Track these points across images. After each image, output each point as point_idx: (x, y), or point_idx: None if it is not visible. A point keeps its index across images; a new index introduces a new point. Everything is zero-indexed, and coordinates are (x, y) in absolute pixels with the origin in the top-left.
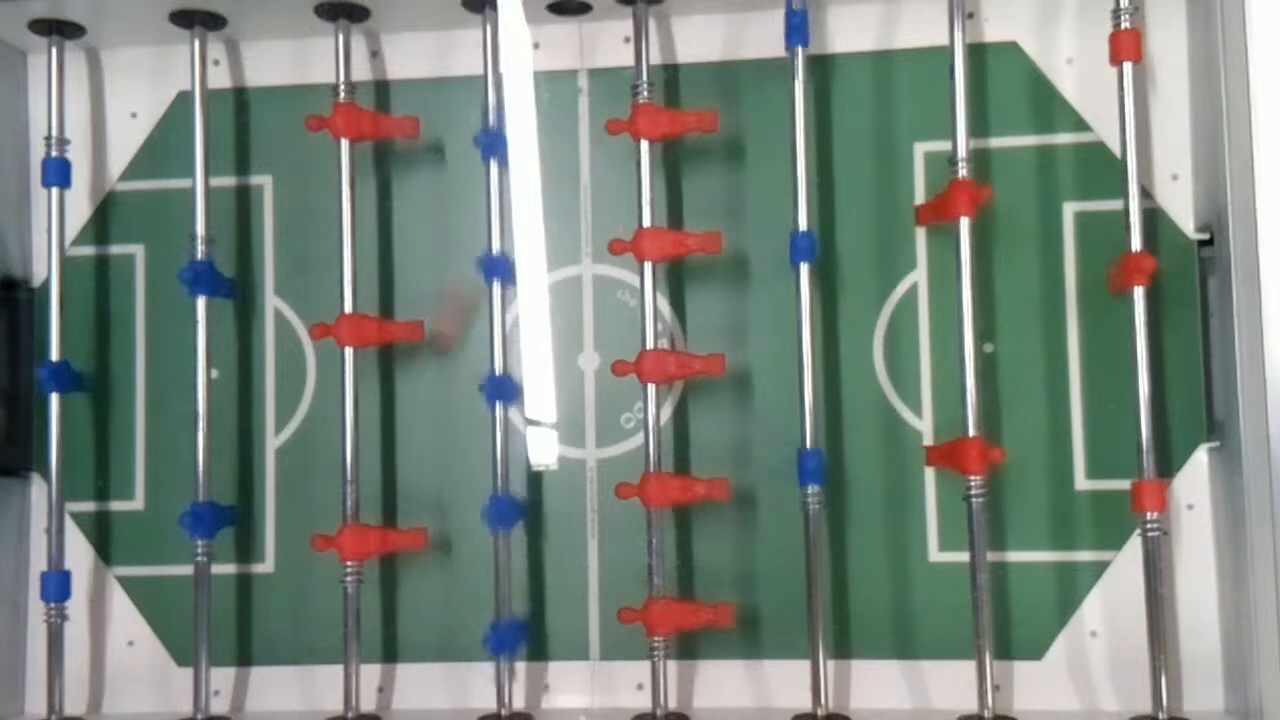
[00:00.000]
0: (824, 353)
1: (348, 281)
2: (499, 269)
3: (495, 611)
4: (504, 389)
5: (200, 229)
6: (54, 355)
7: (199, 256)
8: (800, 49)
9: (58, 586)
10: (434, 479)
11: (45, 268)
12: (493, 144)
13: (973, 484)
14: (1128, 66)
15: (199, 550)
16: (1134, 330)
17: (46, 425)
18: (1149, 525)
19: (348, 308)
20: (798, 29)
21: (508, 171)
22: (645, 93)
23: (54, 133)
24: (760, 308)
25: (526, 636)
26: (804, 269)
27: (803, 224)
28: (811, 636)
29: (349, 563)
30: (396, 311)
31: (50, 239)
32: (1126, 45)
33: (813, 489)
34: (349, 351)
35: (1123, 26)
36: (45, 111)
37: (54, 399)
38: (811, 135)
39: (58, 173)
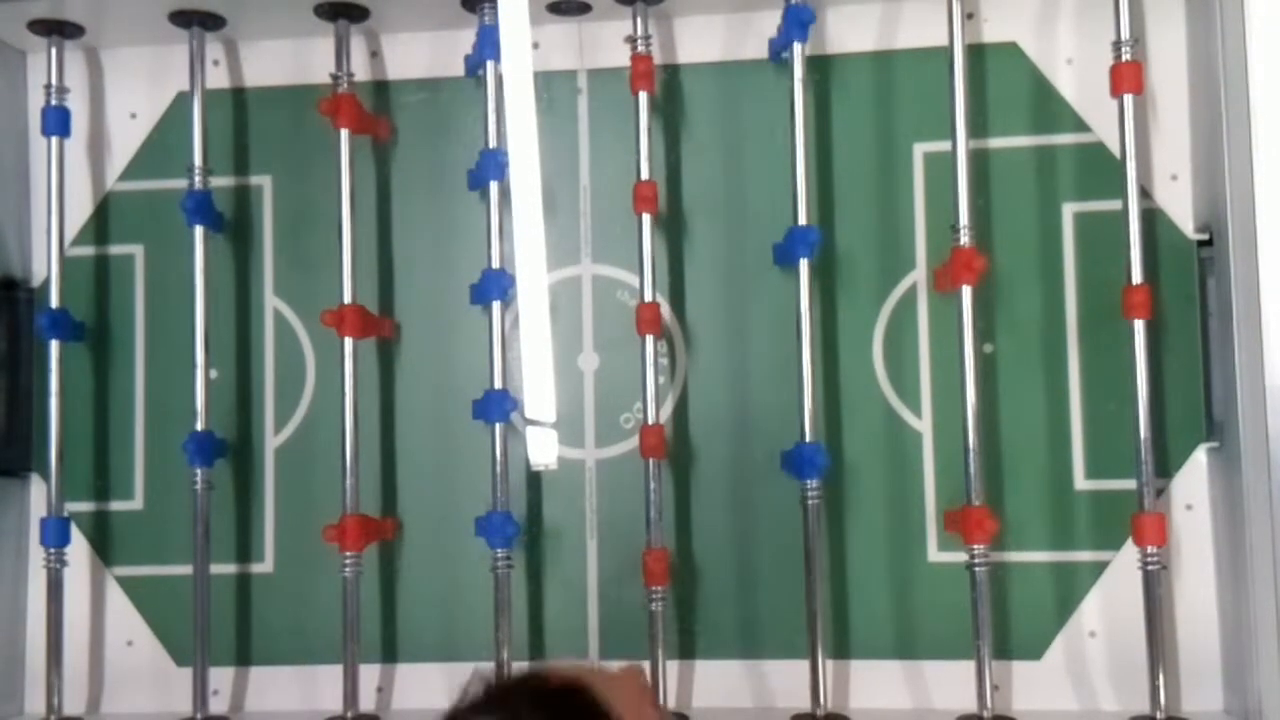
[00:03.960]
0: (824, 353)
1: (347, 272)
2: (497, 285)
3: (494, 611)
4: (498, 406)
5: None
6: (54, 302)
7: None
8: (799, 45)
9: (57, 531)
10: (434, 477)
11: (45, 268)
12: (488, 169)
13: (975, 553)
14: (1128, 71)
15: (198, 479)
16: (1133, 330)
17: (46, 425)
18: (1149, 559)
19: (347, 297)
20: (796, 24)
21: (506, 180)
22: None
23: (53, 81)
24: (760, 308)
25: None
26: (804, 265)
27: (802, 218)
28: (811, 636)
29: (348, 553)
30: (396, 310)
31: (50, 239)
32: (1128, 77)
33: (812, 484)
34: (349, 341)
35: (1124, 59)
36: (43, 107)
37: (53, 407)
38: (811, 135)
39: (57, 121)
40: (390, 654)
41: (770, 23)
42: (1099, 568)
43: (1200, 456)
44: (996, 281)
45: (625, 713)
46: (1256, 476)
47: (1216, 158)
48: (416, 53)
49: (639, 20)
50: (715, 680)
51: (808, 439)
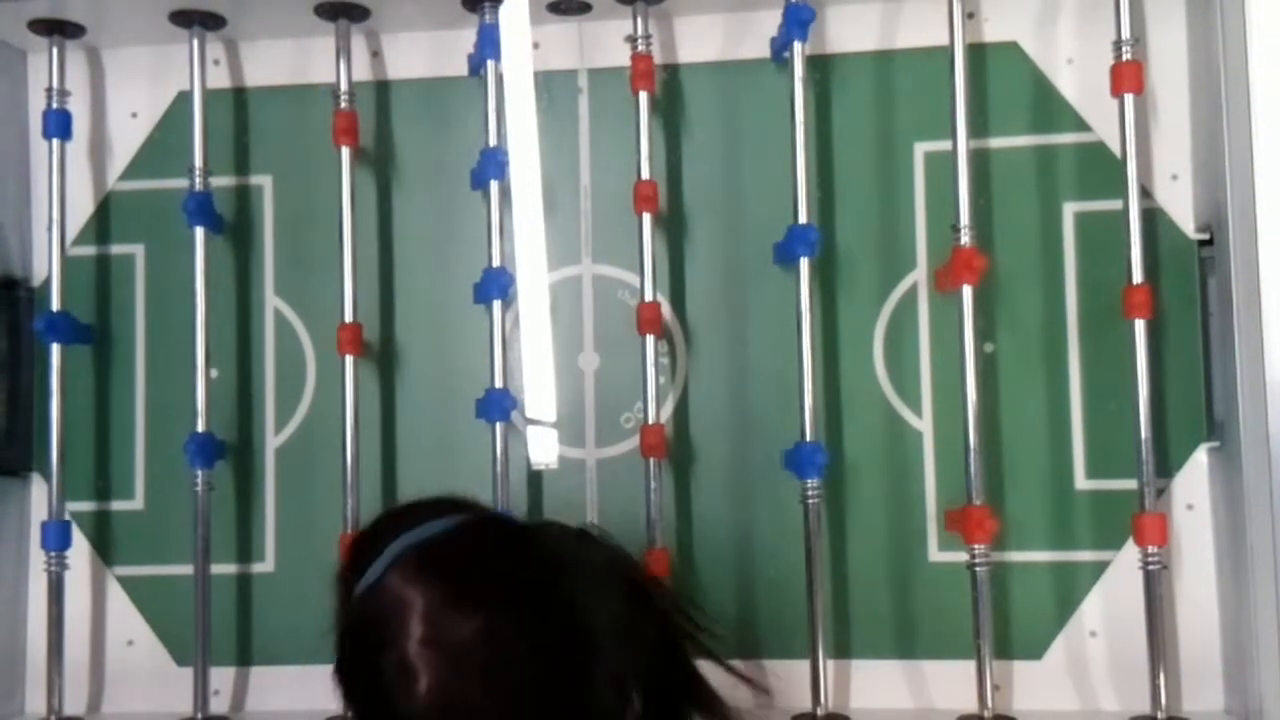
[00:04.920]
0: (824, 352)
1: (348, 290)
2: (498, 283)
3: None
4: (499, 404)
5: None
6: (55, 302)
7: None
8: (799, 44)
9: (58, 534)
10: (434, 476)
11: (45, 267)
12: (489, 167)
13: (976, 552)
14: (1128, 70)
15: (198, 480)
16: (1134, 330)
17: (47, 425)
18: (1150, 559)
19: (348, 316)
20: (796, 23)
21: (507, 180)
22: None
23: (54, 83)
24: (760, 308)
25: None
26: (804, 264)
27: (802, 217)
28: (811, 636)
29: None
30: (397, 315)
31: (50, 238)
32: (1128, 77)
33: (812, 483)
34: (349, 360)
35: (1124, 59)
36: (45, 110)
37: (54, 407)
38: (811, 135)
39: (58, 124)
40: None
41: (770, 22)
42: (1100, 568)
43: (1201, 456)
44: (997, 281)
45: None
46: (1257, 476)
47: (1217, 157)
48: (417, 52)
49: (639, 20)
50: (715, 680)
51: (808, 439)
